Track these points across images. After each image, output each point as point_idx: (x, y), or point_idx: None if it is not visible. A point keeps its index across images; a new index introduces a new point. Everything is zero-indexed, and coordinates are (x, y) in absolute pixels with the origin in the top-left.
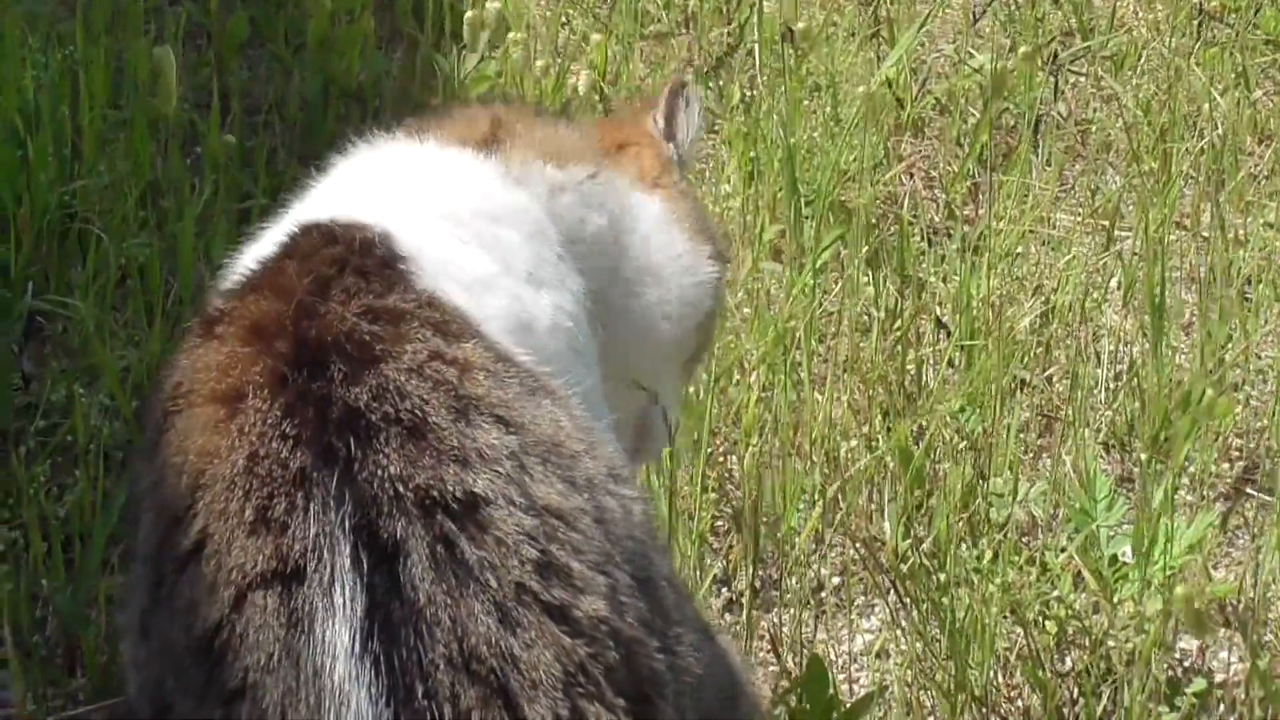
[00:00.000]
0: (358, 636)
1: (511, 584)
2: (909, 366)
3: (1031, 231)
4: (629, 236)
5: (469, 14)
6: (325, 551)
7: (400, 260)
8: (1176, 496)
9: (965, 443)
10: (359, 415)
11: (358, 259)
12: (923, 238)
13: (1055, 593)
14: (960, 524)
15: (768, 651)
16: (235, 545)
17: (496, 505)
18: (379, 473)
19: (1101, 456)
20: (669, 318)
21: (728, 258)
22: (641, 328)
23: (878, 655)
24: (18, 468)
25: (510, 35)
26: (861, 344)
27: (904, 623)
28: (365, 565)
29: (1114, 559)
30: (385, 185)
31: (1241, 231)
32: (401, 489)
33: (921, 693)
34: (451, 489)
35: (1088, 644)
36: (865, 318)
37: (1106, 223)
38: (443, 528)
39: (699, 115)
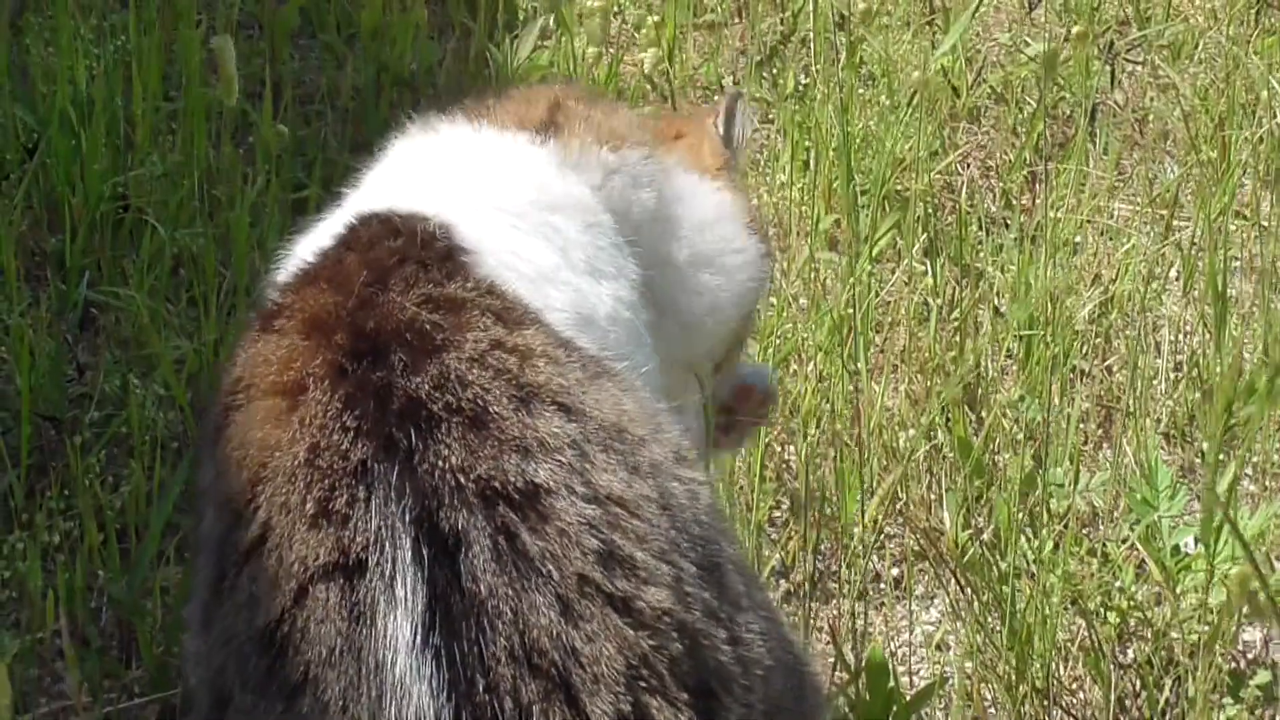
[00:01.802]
0: (419, 630)
1: (574, 575)
2: (967, 356)
3: (1089, 221)
4: (681, 221)
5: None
6: (386, 544)
7: (461, 253)
8: (1239, 486)
9: (1024, 433)
10: (420, 405)
11: (419, 252)
12: (980, 227)
13: (1117, 583)
14: (1020, 514)
15: (827, 643)
16: (297, 539)
17: (558, 495)
18: (440, 464)
19: (1162, 447)
20: (717, 309)
21: (774, 257)
22: (688, 317)
23: (938, 647)
24: (73, 458)
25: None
26: (919, 333)
27: (964, 614)
28: (426, 558)
29: (1176, 549)
30: (443, 174)
31: None
32: (463, 480)
33: (982, 684)
34: (513, 479)
35: (1150, 635)
36: (923, 307)
37: (1165, 212)
38: (504, 519)
39: (750, 129)
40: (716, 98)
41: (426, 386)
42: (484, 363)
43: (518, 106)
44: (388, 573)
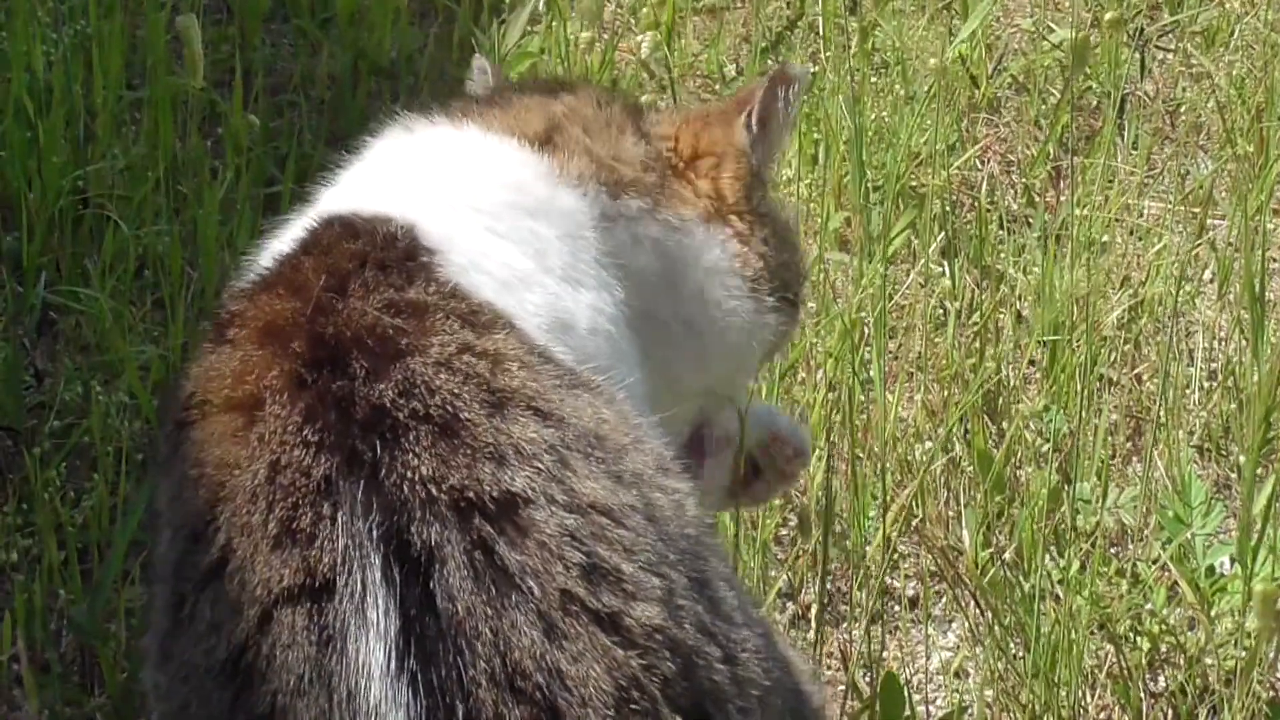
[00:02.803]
0: (393, 654)
1: (556, 591)
2: (988, 364)
3: (1117, 219)
4: (683, 282)
5: None
6: (355, 564)
7: (424, 253)
8: (1278, 502)
9: (1049, 445)
10: (385, 414)
11: (378, 253)
12: (1000, 225)
13: (1148, 606)
14: (1044, 532)
15: (837, 669)
16: (259, 561)
17: (537, 505)
18: (409, 475)
19: (1195, 461)
20: (711, 370)
21: (803, 293)
22: (673, 371)
23: (956, 674)
24: (31, 471)
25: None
26: (936, 339)
27: (984, 638)
28: (398, 577)
29: (1211, 570)
30: (415, 174)
31: None
32: (434, 491)
33: (1004, 714)
34: (488, 489)
35: (1183, 662)
36: (940, 311)
37: (1198, 210)
38: (480, 532)
39: (796, 112)
40: (736, 85)
41: (391, 394)
42: (452, 367)
43: (510, 114)
44: (357, 594)
